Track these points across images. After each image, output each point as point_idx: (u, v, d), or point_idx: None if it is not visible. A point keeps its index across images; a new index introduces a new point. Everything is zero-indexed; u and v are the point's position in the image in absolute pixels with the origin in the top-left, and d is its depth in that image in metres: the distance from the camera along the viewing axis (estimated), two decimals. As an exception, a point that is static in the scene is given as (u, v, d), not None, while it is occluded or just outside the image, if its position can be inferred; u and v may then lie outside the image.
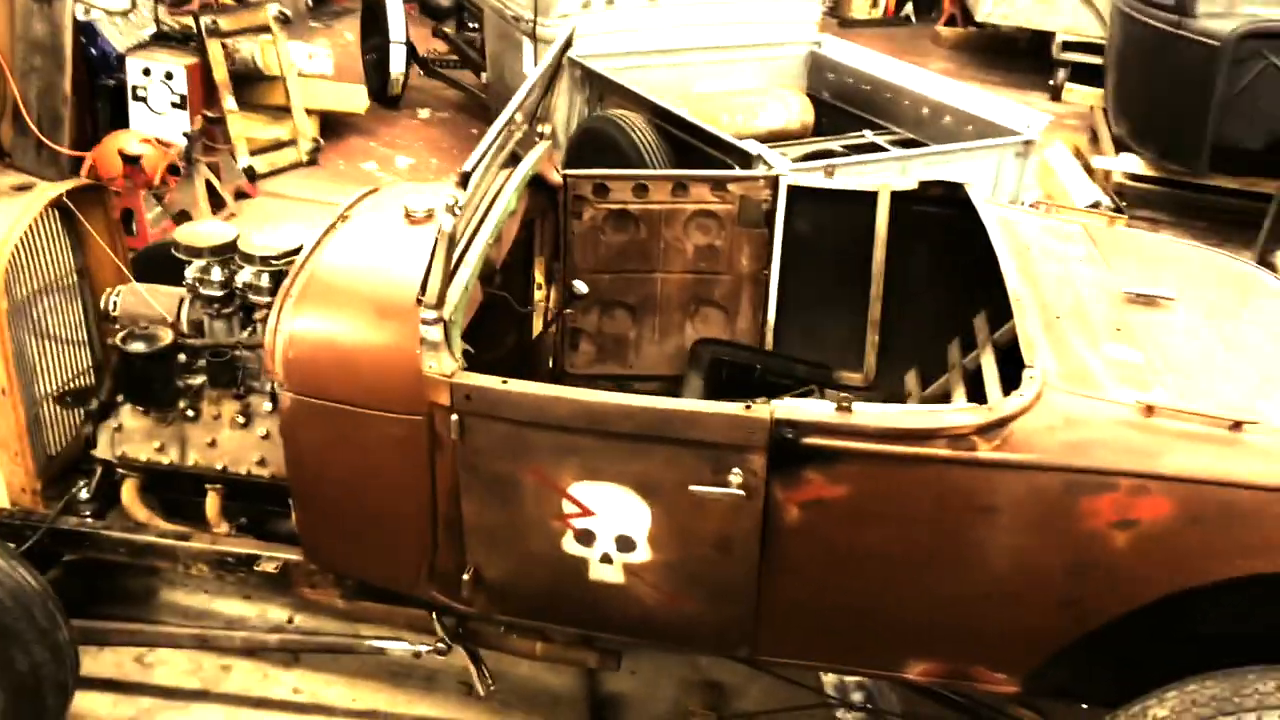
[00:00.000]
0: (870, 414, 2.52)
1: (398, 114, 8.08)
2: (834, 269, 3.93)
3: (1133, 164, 7.51)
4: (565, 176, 3.86)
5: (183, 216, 5.97)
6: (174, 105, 6.44)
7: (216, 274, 3.32)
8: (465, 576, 2.87)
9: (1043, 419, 2.52)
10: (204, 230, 3.35)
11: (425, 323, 2.65)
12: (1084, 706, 3.02)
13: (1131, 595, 2.59)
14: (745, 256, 3.94)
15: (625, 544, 2.74)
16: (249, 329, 3.42)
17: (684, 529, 2.68)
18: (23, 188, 3.42)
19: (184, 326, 3.37)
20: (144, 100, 6.47)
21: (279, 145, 6.94)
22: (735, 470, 2.57)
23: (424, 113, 8.20)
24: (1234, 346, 2.94)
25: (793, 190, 3.84)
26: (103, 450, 3.38)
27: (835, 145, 5.92)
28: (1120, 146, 7.78)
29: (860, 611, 2.76)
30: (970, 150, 5.37)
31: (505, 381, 2.64)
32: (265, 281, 3.32)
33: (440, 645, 3.17)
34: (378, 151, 7.46)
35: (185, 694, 3.48)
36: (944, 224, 3.80)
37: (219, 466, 3.31)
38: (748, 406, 2.54)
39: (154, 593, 3.82)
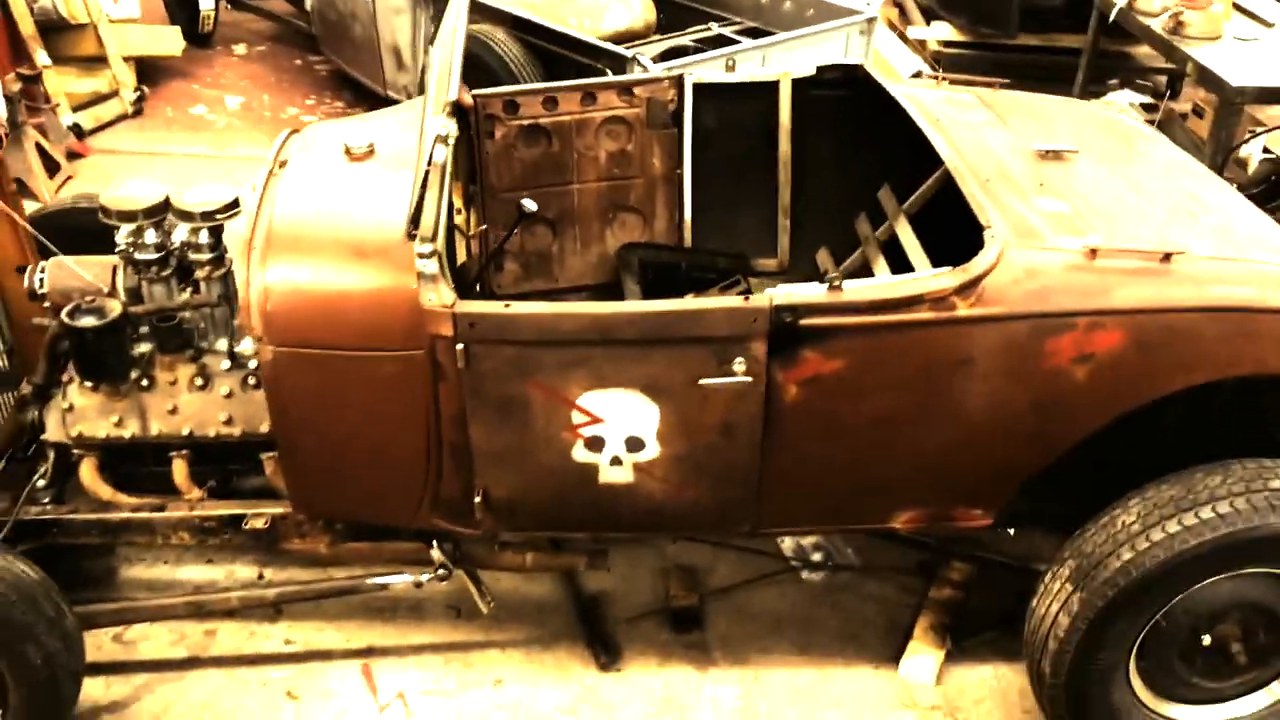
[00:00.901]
0: (859, 289, 2.71)
1: (212, 52, 7.71)
2: (741, 160, 4.09)
3: (945, 31, 7.90)
4: (475, 97, 3.85)
5: (20, 186, 5.60)
6: (-21, 66, 5.97)
7: (151, 236, 3.21)
8: (476, 499, 2.95)
9: (1008, 274, 2.76)
10: (132, 193, 3.22)
11: (422, 256, 2.67)
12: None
13: (1089, 421, 2.90)
14: (656, 158, 4.04)
15: (634, 444, 2.86)
16: (189, 289, 3.33)
17: (691, 421, 2.82)
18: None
19: (121, 295, 3.26)
20: (-57, 63, 5.98)
21: (100, 98, 6.55)
22: (738, 359, 2.72)
23: (240, 48, 7.84)
24: (1136, 188, 3.26)
25: (696, 88, 3.94)
26: (54, 433, 3.26)
27: (687, 41, 6.01)
28: (929, 16, 8.17)
29: (852, 474, 2.99)
30: (822, 33, 5.57)
31: (508, 305, 2.70)
32: (204, 239, 3.24)
33: (441, 572, 3.24)
34: (204, 94, 7.12)
35: (176, 664, 3.44)
36: (841, 106, 3.99)
37: (185, 432, 3.25)
38: (745, 298, 2.68)
39: (112, 572, 3.73)
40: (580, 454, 2.88)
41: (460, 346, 2.71)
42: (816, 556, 3.94)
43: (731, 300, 2.69)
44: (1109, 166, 3.35)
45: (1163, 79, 7.83)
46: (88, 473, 3.26)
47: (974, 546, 3.77)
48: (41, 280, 3.27)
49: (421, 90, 5.82)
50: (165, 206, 3.21)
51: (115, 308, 3.09)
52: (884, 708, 3.42)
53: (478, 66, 5.48)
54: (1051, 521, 3.23)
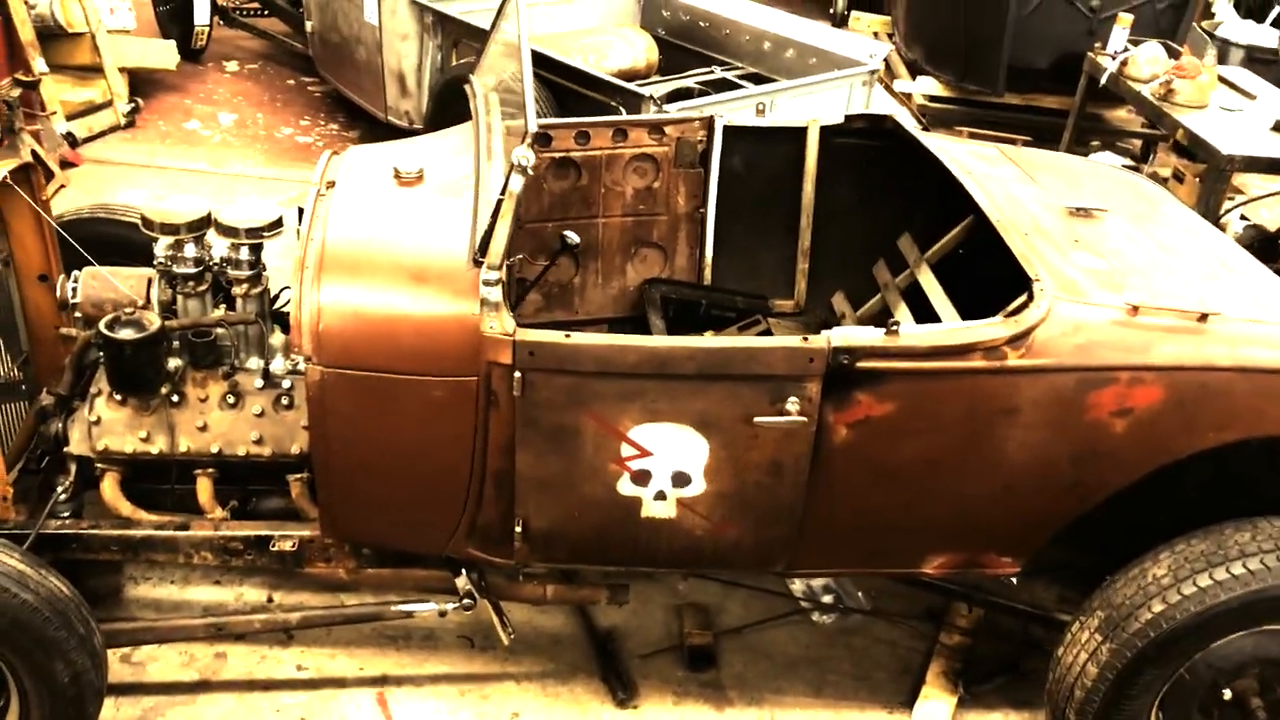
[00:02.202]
0: (916, 335, 2.75)
1: (204, 68, 7.66)
2: (763, 202, 4.14)
3: (931, 86, 8.07)
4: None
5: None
6: (-25, 70, 5.88)
7: (191, 250, 3.18)
8: (516, 529, 2.94)
9: (1056, 327, 2.82)
10: (174, 206, 3.18)
11: (487, 284, 2.67)
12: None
13: (1125, 474, 2.96)
14: (681, 196, 4.08)
15: (680, 479, 2.87)
16: (224, 305, 3.30)
17: (739, 459, 2.84)
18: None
19: (155, 308, 3.21)
20: (-62, 65, 5.88)
21: (94, 108, 6.47)
22: (792, 399, 2.75)
23: (232, 65, 7.79)
24: (1164, 247, 3.35)
25: (726, 130, 3.99)
26: (78, 446, 3.20)
27: (691, 83, 6.09)
28: (915, 70, 8.34)
29: (891, 518, 3.02)
30: (826, 83, 5.67)
31: (568, 335, 2.71)
32: (244, 255, 3.21)
33: (467, 601, 3.21)
34: (197, 109, 7.06)
35: (186, 687, 3.37)
36: (865, 155, 4.06)
37: (214, 450, 3.21)
38: (805, 339, 2.71)
39: (118, 590, 3.65)
40: (626, 487, 2.89)
41: (518, 374, 2.71)
42: (827, 598, 3.96)
43: (790, 340, 2.72)
44: (1137, 226, 3.44)
45: (1138, 142, 8.07)
46: (109, 488, 3.20)
47: (980, 592, 3.81)
48: (74, 290, 3.22)
49: (436, 116, 5.84)
50: (207, 221, 3.18)
51: (154, 321, 3.05)
52: (899, 752, 3.44)
53: (486, 96, 5.50)
54: (1075, 571, 3.29)
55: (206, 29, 7.46)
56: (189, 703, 3.33)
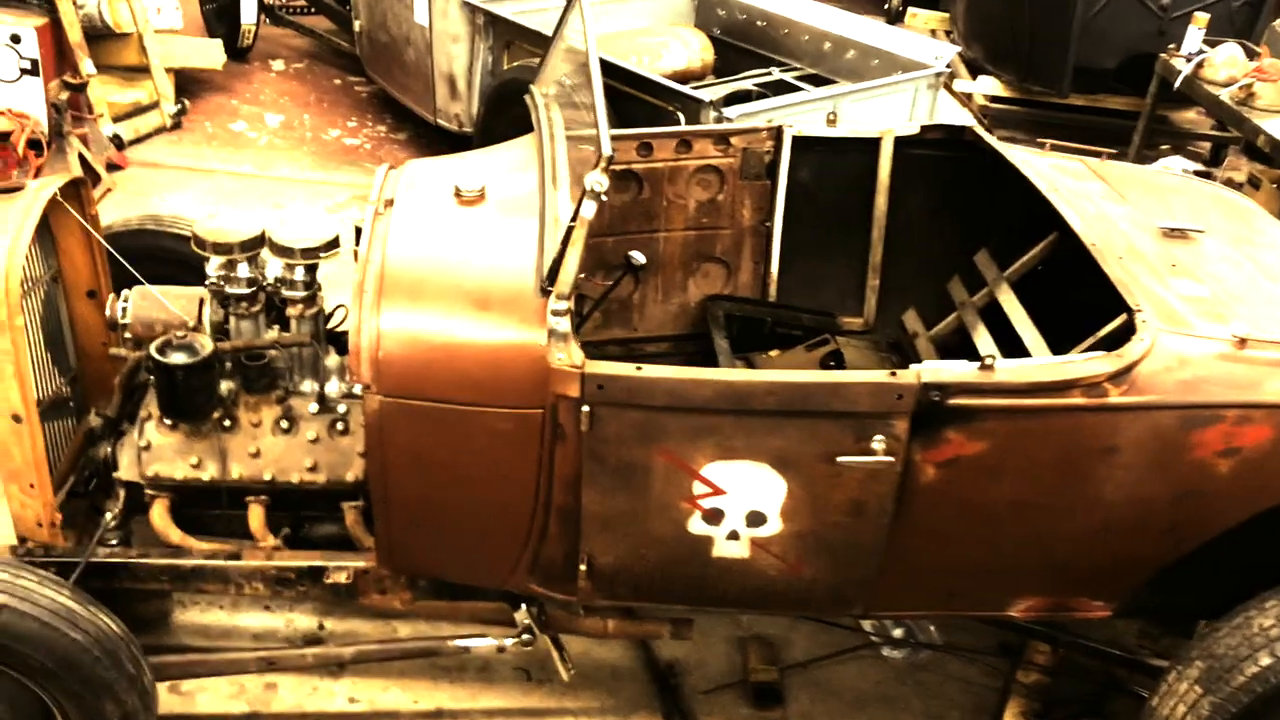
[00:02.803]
0: (1012, 370, 2.58)
1: (250, 67, 7.56)
2: (832, 215, 3.97)
3: (992, 86, 7.85)
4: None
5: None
6: (24, 71, 5.81)
7: (244, 270, 3.07)
8: (582, 567, 2.80)
9: (1160, 361, 2.64)
10: (227, 224, 3.07)
11: (555, 314, 2.53)
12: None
13: (1229, 517, 2.78)
14: (747, 209, 3.92)
15: (755, 519, 2.72)
16: (277, 327, 3.18)
17: (819, 499, 2.68)
18: (8, 189, 3.02)
19: (206, 329, 3.10)
20: (-13, 67, 5.82)
21: (140, 110, 6.39)
22: (878, 437, 2.58)
23: (278, 64, 7.69)
24: (1265, 270, 3.15)
25: (794, 140, 3.83)
26: (127, 471, 3.09)
27: (749, 85, 5.91)
28: (975, 70, 8.12)
29: (978, 560, 2.85)
30: (891, 85, 5.48)
31: (639, 368, 2.56)
32: (299, 275, 3.09)
33: (526, 636, 3.08)
34: (243, 110, 6.97)
35: (236, 719, 3.27)
36: (940, 166, 3.88)
37: (266, 477, 3.09)
38: (893, 373, 2.55)
39: (165, 616, 3.55)
40: (696, 526, 2.74)
41: (585, 409, 2.56)
42: (897, 633, 3.79)
43: (876, 375, 2.56)
44: (1234, 247, 3.24)
45: (1206, 145, 7.81)
46: (159, 515, 3.09)
47: (1062, 631, 3.64)
48: (124, 310, 3.11)
49: (488, 120, 5.70)
50: (261, 241, 3.06)
51: (207, 345, 2.93)
52: (976, 798, 3.28)
53: (538, 100, 5.36)
54: (1171, 615, 3.11)
55: (253, 27, 7.37)
56: (239, 736, 3.23)
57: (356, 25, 6.75)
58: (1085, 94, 7.50)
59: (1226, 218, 3.50)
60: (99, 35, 6.30)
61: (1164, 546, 2.83)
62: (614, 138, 3.71)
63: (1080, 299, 3.22)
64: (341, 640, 3.52)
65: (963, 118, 7.34)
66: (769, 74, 6.13)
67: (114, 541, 3.09)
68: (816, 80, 5.99)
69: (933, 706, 3.55)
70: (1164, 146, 7.23)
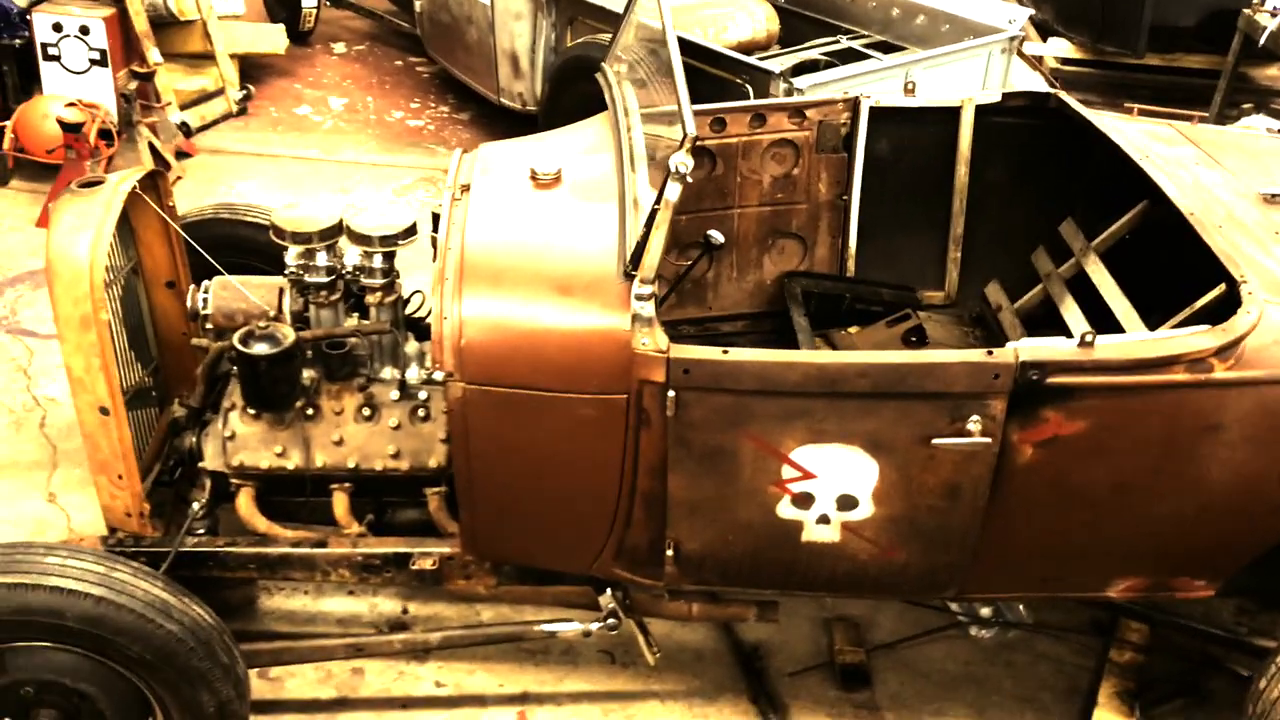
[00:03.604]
0: (1113, 346, 2.50)
1: (311, 51, 7.58)
2: (910, 187, 3.88)
3: (1064, 48, 7.65)
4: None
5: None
6: (94, 62, 5.86)
7: (323, 259, 3.06)
8: (667, 552, 2.76)
9: (1268, 334, 2.54)
10: (304, 213, 3.06)
11: (640, 298, 2.49)
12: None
13: (1338, 494, 2.68)
14: (823, 183, 3.84)
15: (846, 503, 2.67)
16: (357, 315, 3.18)
17: (913, 481, 2.62)
18: (89, 183, 3.04)
19: (286, 318, 3.10)
20: (57, 59, 5.87)
21: (206, 96, 6.42)
22: (974, 418, 2.51)
23: (339, 47, 7.71)
24: (1373, 237, 3.02)
25: (871, 111, 3.74)
26: (213, 461, 3.11)
27: (816, 54, 5.80)
28: (1045, 31, 7.91)
29: (1076, 542, 2.78)
30: (964, 51, 5.35)
31: (726, 351, 2.51)
32: (378, 263, 3.08)
33: (612, 621, 3.05)
34: (307, 94, 6.99)
35: (325, 705, 3.29)
36: (1023, 134, 3.78)
37: (350, 465, 3.09)
38: (989, 352, 2.48)
39: (251, 601, 3.58)
40: (786, 510, 2.69)
41: (671, 393, 2.52)
42: (985, 612, 3.70)
43: (973, 354, 2.49)
44: (1339, 212, 3.11)
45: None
46: (245, 503, 3.11)
47: (1157, 610, 3.54)
48: (205, 300, 3.12)
49: (553, 98, 5.65)
50: (339, 229, 3.05)
51: (289, 335, 2.93)
52: (1072, 782, 3.21)
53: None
54: (1269, 592, 3.01)
55: (314, 10, 7.38)
56: (328, 721, 3.25)
57: (418, 5, 6.72)
58: (1161, 53, 7.28)
59: (1327, 180, 3.36)
60: (164, 23, 6.33)
61: (1271, 526, 2.74)
62: (717, 110, 3.67)
63: (1172, 270, 3.12)
64: (426, 624, 3.52)
65: (1034, 82, 7.16)
66: (836, 42, 6.01)
67: (201, 531, 3.12)
68: (885, 48, 5.86)
69: (1023, 687, 3.48)
70: (1245, 105, 7.01)
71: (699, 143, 3.69)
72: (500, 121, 6.62)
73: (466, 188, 3.01)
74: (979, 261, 3.96)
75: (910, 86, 3.76)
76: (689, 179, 2.36)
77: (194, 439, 3.15)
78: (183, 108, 6.21)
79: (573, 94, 5.43)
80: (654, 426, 2.59)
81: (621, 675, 3.43)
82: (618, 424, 2.63)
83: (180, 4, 6.32)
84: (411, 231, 3.05)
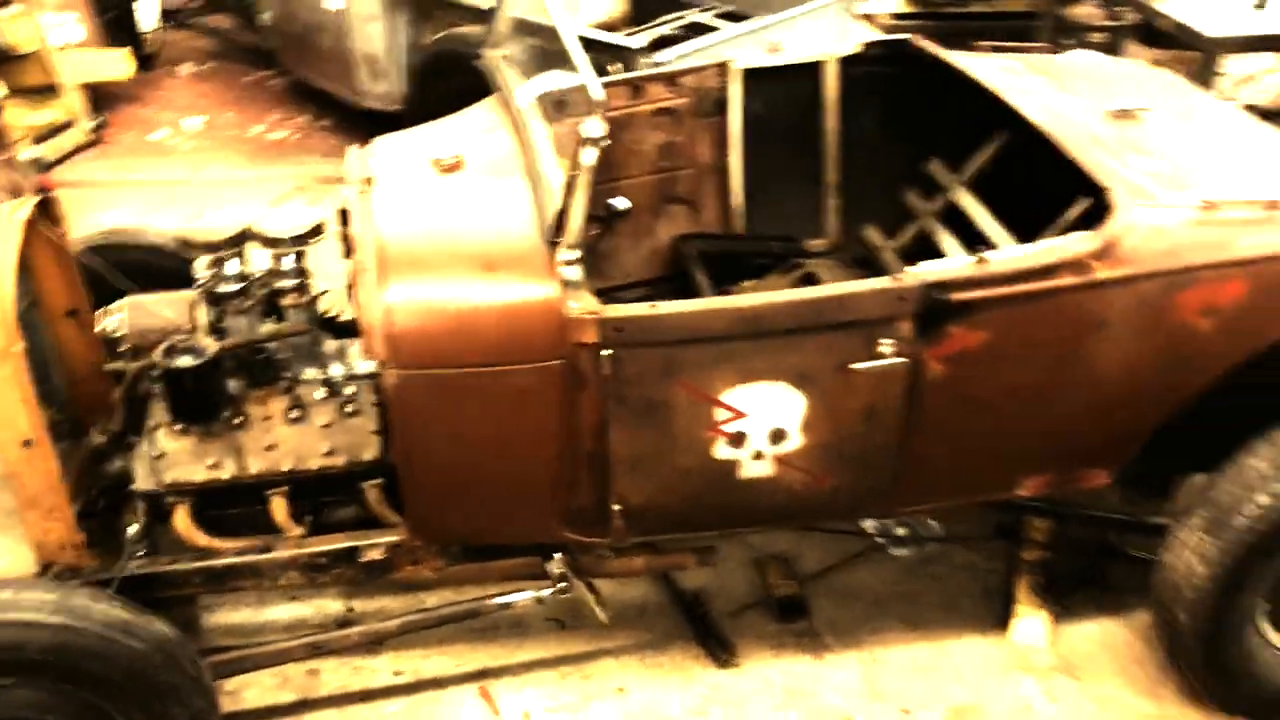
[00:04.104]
0: (1004, 259, 2.71)
1: (157, 74, 7.42)
2: (784, 142, 4.06)
3: (895, 4, 7.98)
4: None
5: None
6: (-69, 103, 5.66)
7: (234, 267, 3.07)
8: (615, 508, 2.88)
9: (1138, 234, 2.79)
10: (212, 224, 3.06)
11: (568, 263, 2.59)
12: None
13: (1212, 372, 2.95)
14: (704, 147, 3.99)
15: (777, 436, 2.83)
16: (271, 319, 3.19)
17: (836, 408, 2.79)
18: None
19: (203, 331, 3.10)
20: (-110, 103, 5.65)
21: (57, 129, 6.25)
22: (887, 341, 2.70)
23: (186, 68, 7.56)
24: (1212, 139, 3.32)
25: (743, 73, 3.90)
26: (145, 482, 3.09)
27: (668, 30, 5.95)
28: (874, -11, 8.24)
29: (987, 446, 3.00)
30: (812, 12, 5.57)
31: (654, 306, 2.64)
32: (288, 265, 3.11)
33: (563, 585, 3.15)
34: (161, 117, 6.85)
35: (286, 709, 3.31)
36: (885, 82, 3.99)
37: (286, 467, 3.11)
38: (896, 278, 2.66)
39: (194, 621, 3.56)
40: (722, 451, 2.84)
41: (606, 352, 2.64)
42: (900, 531, 3.93)
43: (881, 281, 2.67)
44: (1178, 120, 3.40)
45: (1102, 37, 8.03)
46: (183, 520, 3.09)
47: (1060, 505, 3.80)
48: (117, 323, 3.10)
49: (421, 93, 5.65)
50: (246, 236, 3.07)
51: (211, 345, 2.94)
52: (1005, 674, 3.44)
53: (471, 69, 5.35)
54: (1164, 475, 3.29)
55: (157, 33, 7.21)
56: (293, 725, 3.27)
57: (265, 18, 6.65)
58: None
59: (1163, 94, 3.66)
60: (2, 58, 6.14)
61: (1156, 409, 3.00)
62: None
63: (1034, 193, 3.37)
64: (374, 619, 3.56)
65: (871, 37, 7.47)
66: (683, 17, 6.17)
67: (141, 553, 3.09)
68: (733, 17, 6.05)
69: (947, 596, 3.71)
70: (1068, 42, 7.42)
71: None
72: (363, 125, 6.58)
73: (370, 180, 3.06)
74: (856, 206, 4.17)
75: (775, 46, 3.94)
76: (605, 143, 2.47)
77: (121, 463, 3.12)
78: (36, 143, 6.03)
79: (439, 87, 5.47)
80: (591, 387, 2.70)
81: (573, 639, 3.54)
82: (555, 390, 2.73)
83: (14, 37, 6.12)
84: (320, 230, 3.08)
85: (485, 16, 5.46)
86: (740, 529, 3.12)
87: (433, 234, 2.83)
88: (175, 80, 7.39)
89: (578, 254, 2.59)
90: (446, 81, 5.41)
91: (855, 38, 7.23)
